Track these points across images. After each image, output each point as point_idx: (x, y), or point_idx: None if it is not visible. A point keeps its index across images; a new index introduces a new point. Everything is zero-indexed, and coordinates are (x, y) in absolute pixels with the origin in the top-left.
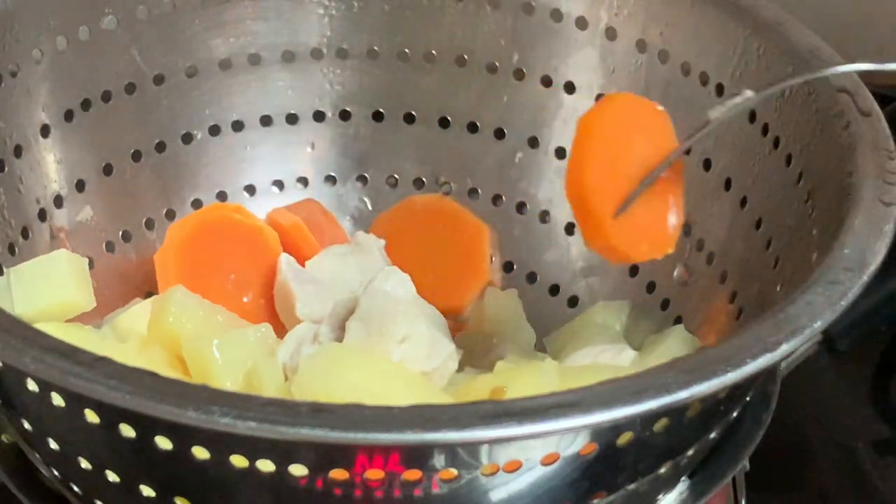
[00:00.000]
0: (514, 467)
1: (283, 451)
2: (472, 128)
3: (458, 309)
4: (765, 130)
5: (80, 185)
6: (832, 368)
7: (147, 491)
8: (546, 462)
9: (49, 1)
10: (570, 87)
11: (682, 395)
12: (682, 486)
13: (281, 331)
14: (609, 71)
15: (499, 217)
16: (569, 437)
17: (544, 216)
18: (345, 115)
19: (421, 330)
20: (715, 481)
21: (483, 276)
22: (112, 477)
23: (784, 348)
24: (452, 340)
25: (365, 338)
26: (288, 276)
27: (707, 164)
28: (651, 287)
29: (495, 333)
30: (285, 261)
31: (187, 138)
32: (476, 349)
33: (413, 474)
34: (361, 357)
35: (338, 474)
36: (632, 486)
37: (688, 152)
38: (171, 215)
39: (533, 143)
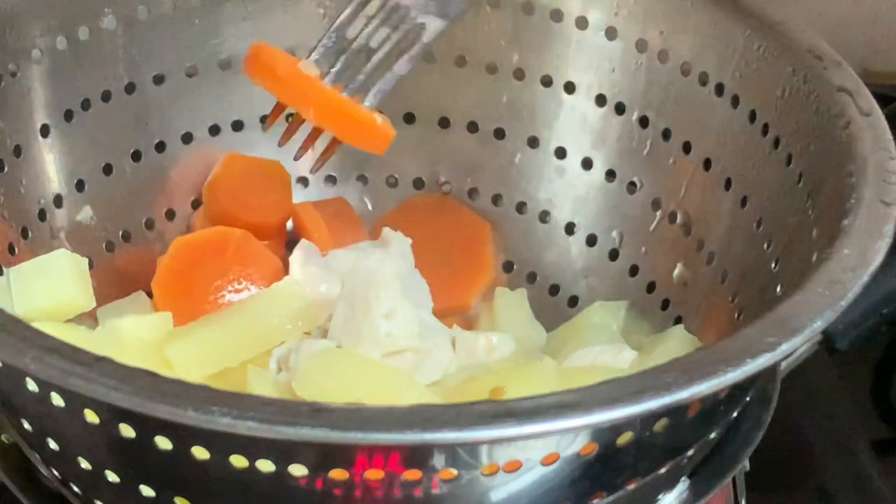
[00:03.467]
0: (514, 467)
1: (283, 452)
2: (472, 128)
3: (463, 307)
4: (765, 130)
5: (80, 185)
6: (832, 368)
7: (147, 491)
8: (546, 462)
9: (49, 1)
10: (570, 87)
11: (682, 395)
12: (682, 486)
13: None
14: (609, 71)
15: (499, 217)
16: (569, 437)
17: (544, 216)
18: None
19: (406, 306)
20: (715, 481)
21: (488, 274)
22: (112, 477)
23: (784, 348)
24: (446, 328)
25: (351, 315)
26: (296, 256)
27: (707, 164)
28: (651, 287)
29: (503, 333)
30: (302, 246)
31: (187, 138)
32: (477, 348)
33: (413, 474)
34: (360, 360)
35: (338, 474)
36: (632, 487)
37: (688, 151)
38: (170, 215)
39: (533, 143)
